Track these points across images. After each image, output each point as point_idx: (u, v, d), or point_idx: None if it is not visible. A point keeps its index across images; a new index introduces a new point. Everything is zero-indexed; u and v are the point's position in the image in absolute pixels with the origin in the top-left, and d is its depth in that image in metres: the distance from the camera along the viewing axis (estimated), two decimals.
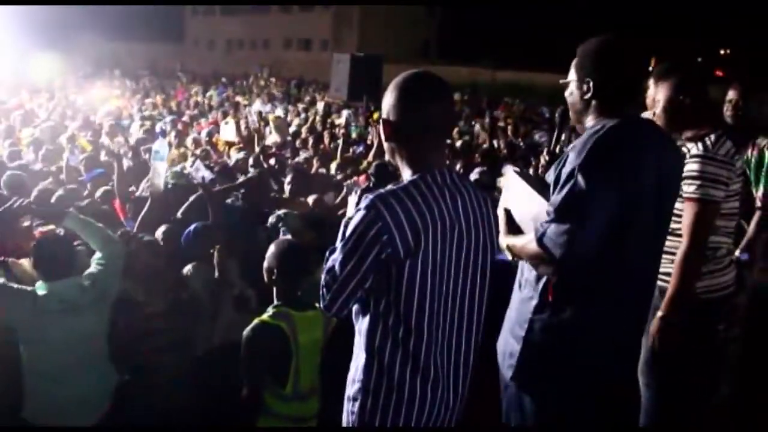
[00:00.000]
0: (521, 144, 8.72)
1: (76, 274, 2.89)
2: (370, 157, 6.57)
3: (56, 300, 2.75)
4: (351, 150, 7.64)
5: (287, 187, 5.14)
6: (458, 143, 8.04)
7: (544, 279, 2.08)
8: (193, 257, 3.45)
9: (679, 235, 2.57)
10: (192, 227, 3.56)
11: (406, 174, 1.83)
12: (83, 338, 2.82)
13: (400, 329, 1.76)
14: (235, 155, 6.71)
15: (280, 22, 42.38)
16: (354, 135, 9.43)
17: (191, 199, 4.21)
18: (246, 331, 2.52)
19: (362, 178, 5.43)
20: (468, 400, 1.93)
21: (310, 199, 4.75)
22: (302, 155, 7.35)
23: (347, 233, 1.74)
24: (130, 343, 3.04)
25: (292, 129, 9.74)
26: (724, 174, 2.54)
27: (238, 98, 15.72)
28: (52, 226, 3.40)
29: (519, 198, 2.28)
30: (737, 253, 3.10)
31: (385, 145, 1.88)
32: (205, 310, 3.27)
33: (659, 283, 2.40)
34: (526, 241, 2.09)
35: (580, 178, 1.93)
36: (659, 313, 2.58)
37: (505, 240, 2.22)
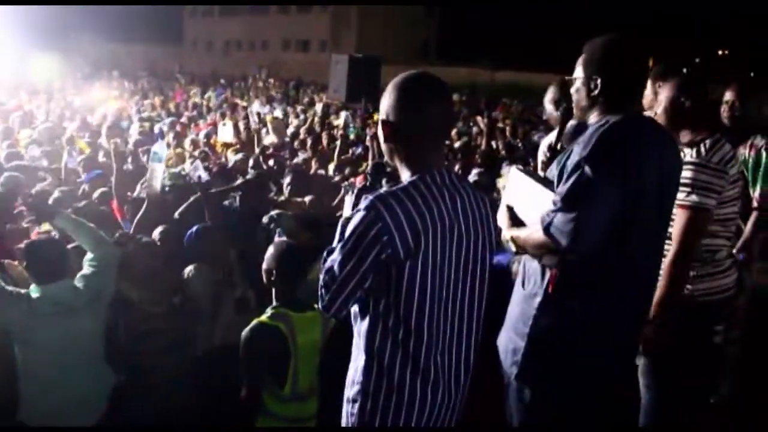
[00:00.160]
0: (520, 145, 8.71)
1: (68, 276, 2.88)
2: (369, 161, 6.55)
3: (50, 302, 2.75)
4: (350, 151, 7.63)
5: (286, 189, 5.14)
6: (457, 144, 8.03)
7: (548, 275, 2.08)
8: (195, 258, 3.45)
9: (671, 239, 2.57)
10: (194, 228, 3.56)
11: (405, 175, 1.82)
12: (79, 340, 2.82)
13: (400, 330, 1.75)
14: (232, 157, 6.69)
15: (278, 23, 42.39)
16: (352, 136, 9.41)
17: (189, 200, 4.20)
18: (244, 332, 2.52)
19: (359, 178, 5.42)
20: (468, 399, 1.93)
21: (307, 199, 4.74)
22: (301, 156, 7.34)
23: (346, 233, 1.73)
24: (129, 344, 3.04)
25: (290, 130, 9.73)
26: (716, 182, 2.56)
27: (237, 100, 15.69)
28: (48, 228, 3.40)
29: (524, 194, 2.27)
30: (733, 252, 3.10)
31: (384, 146, 1.87)
32: (205, 311, 3.26)
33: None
34: (532, 231, 2.09)
35: (587, 169, 1.95)
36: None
37: (509, 232, 2.22)
